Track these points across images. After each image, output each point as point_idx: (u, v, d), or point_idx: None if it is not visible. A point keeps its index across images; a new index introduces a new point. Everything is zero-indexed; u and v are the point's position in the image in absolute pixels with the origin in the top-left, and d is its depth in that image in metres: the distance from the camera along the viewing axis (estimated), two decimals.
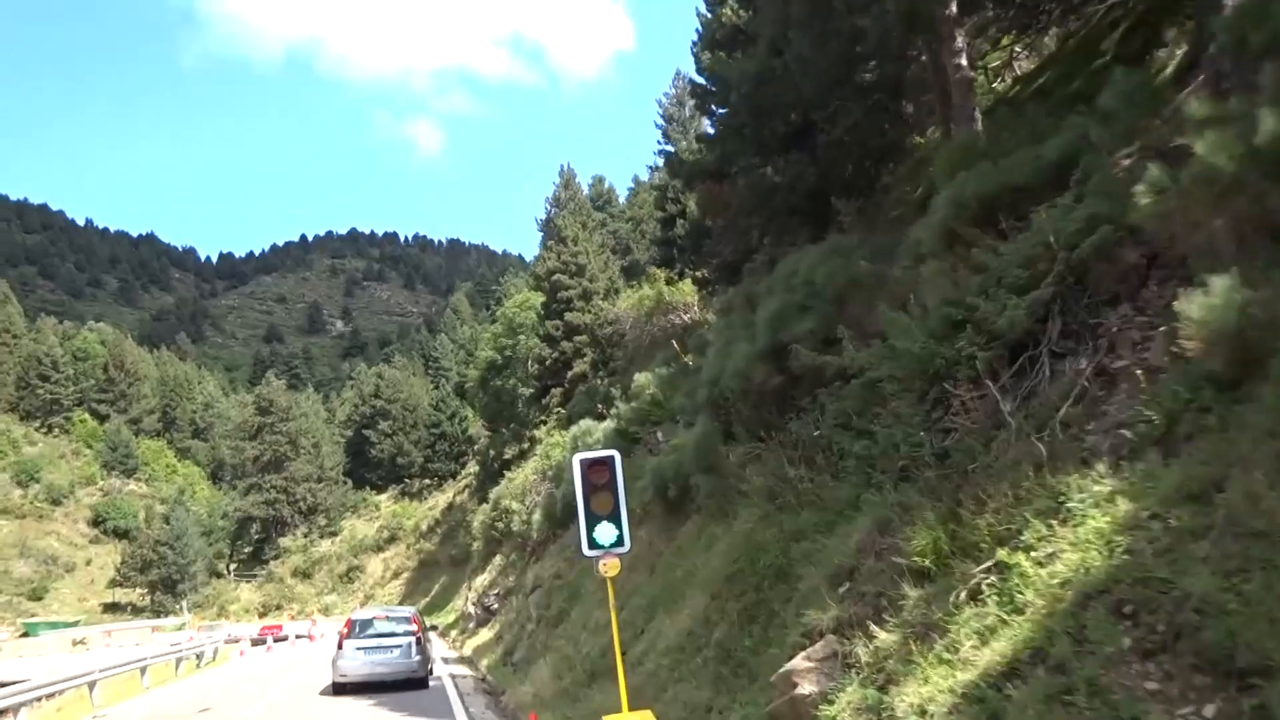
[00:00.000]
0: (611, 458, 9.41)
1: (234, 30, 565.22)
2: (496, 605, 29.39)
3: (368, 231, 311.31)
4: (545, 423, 49.21)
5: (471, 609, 32.16)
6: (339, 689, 18.50)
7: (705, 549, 12.19)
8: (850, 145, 18.88)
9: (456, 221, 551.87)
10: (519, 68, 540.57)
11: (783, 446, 10.81)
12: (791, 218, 20.59)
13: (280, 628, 50.55)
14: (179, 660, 30.12)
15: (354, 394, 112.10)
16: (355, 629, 19.01)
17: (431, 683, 19.47)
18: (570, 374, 47.91)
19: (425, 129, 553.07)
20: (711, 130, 30.51)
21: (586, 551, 9.39)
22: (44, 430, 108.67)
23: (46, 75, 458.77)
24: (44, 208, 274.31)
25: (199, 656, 33.99)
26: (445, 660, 25.56)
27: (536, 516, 27.26)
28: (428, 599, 59.64)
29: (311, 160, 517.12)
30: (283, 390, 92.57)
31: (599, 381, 34.53)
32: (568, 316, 49.18)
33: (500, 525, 33.41)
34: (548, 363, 49.80)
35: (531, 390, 53.97)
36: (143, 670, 25.74)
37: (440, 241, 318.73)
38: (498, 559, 32.68)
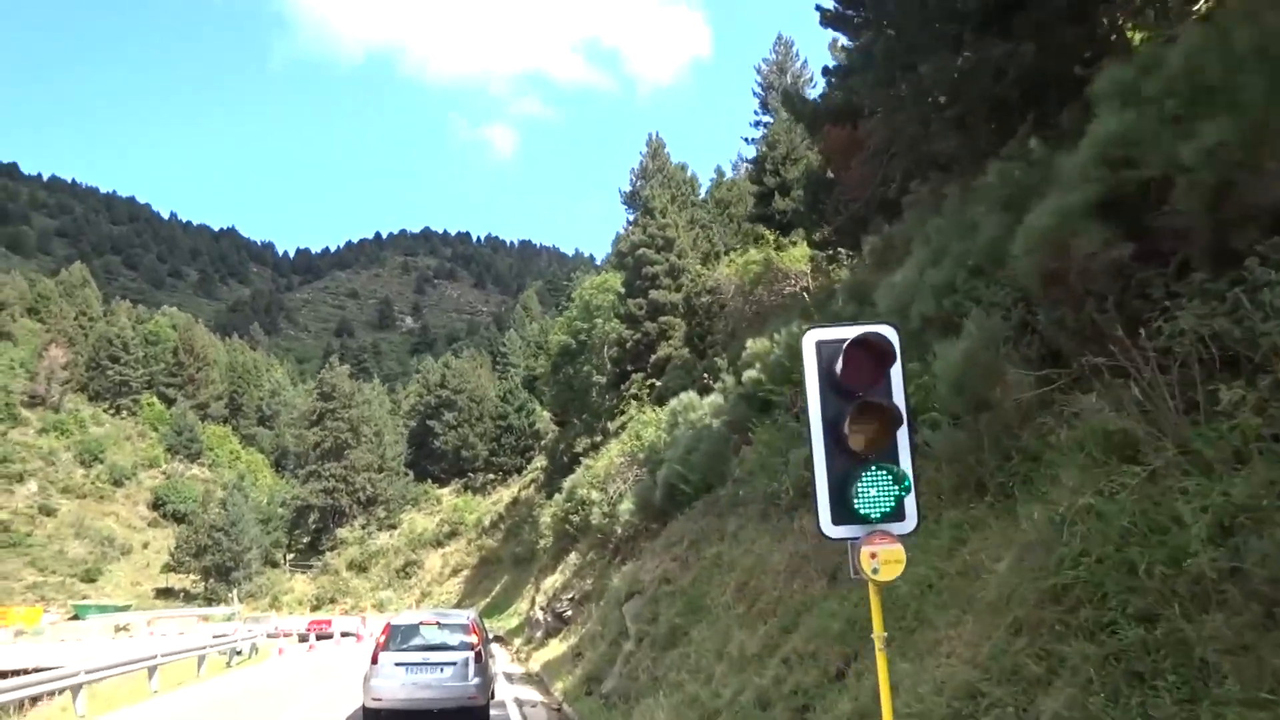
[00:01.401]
0: (884, 339, 4.62)
1: (320, 34, 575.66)
2: (570, 612, 24.65)
3: (440, 231, 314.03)
4: (624, 411, 44.56)
5: (540, 615, 27.48)
6: (370, 717, 13.93)
7: (962, 545, 7.27)
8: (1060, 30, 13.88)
9: (528, 223, 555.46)
10: (595, 73, 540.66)
11: (1139, 362, 5.85)
12: (977, 125, 15.58)
13: (329, 623, 46.54)
14: (201, 658, 26.02)
15: (419, 385, 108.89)
16: (395, 638, 14.38)
17: (494, 714, 14.77)
18: (654, 357, 43.19)
19: (500, 132, 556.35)
20: (838, 62, 25.90)
21: (829, 530, 4.64)
22: (112, 411, 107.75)
23: (140, 74, 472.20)
24: (131, 200, 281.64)
25: (233, 653, 29.97)
26: (508, 678, 20.86)
27: (625, 506, 22.45)
28: (488, 599, 55.28)
29: (388, 160, 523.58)
30: (346, 376, 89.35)
31: (696, 356, 29.68)
32: (653, 294, 44.48)
33: (576, 519, 28.72)
34: (628, 345, 45.14)
35: (608, 376, 49.37)
36: (151, 671, 21.61)
37: (512, 242, 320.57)
38: (572, 558, 27.95)
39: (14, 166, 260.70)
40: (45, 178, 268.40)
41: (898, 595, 7.95)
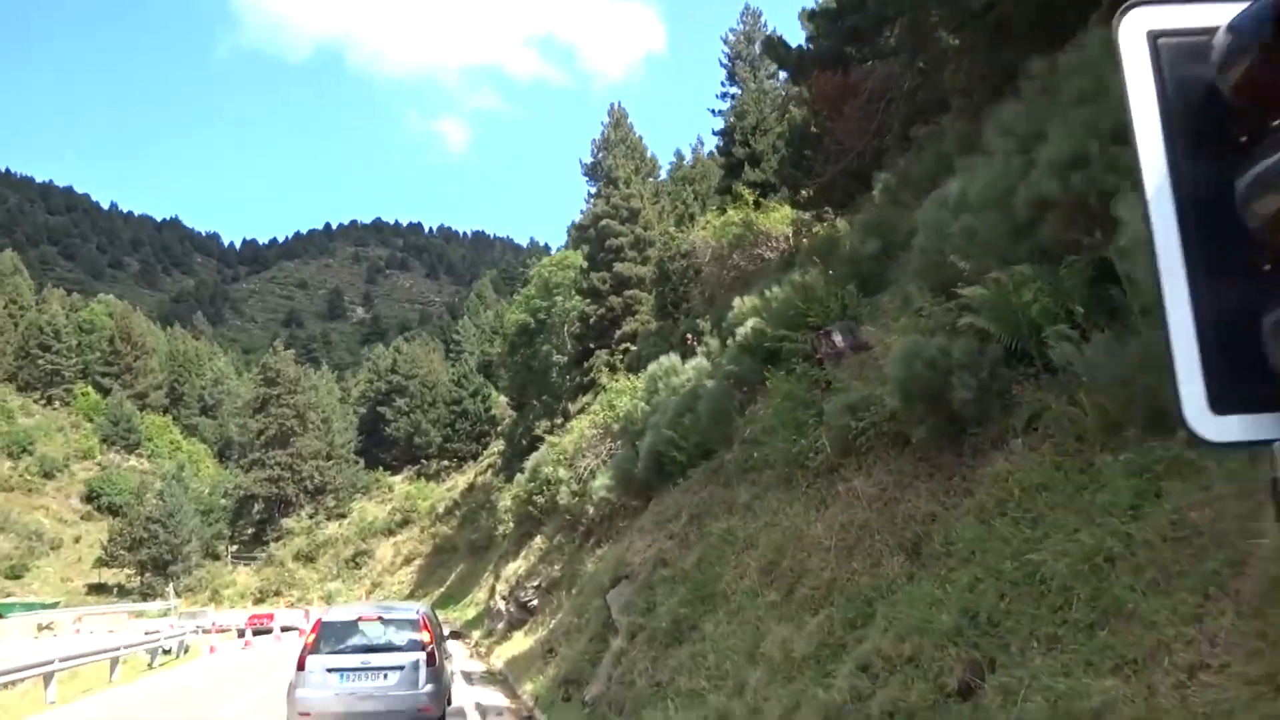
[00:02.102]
0: None
1: (266, 25, 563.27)
2: (536, 602, 21.95)
3: (392, 221, 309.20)
4: (587, 389, 41.91)
5: (501, 605, 24.75)
6: None
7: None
8: None
9: (482, 215, 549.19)
10: (550, 68, 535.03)
11: None
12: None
13: (270, 617, 43.38)
14: (115, 660, 22.96)
15: (369, 371, 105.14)
16: (328, 638, 11.59)
17: None
18: (619, 332, 40.64)
19: (453, 125, 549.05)
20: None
21: (1204, 424, 1.60)
22: (43, 402, 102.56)
23: (78, 62, 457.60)
24: (69, 190, 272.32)
25: (158, 653, 26.89)
26: (467, 677, 18.13)
27: (599, 483, 19.81)
28: (443, 589, 52.39)
29: (338, 152, 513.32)
30: (290, 361, 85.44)
31: (671, 323, 27.05)
32: (617, 268, 41.94)
33: (540, 500, 26.02)
34: (592, 321, 42.54)
35: (570, 355, 46.69)
36: (47, 680, 18.57)
37: (465, 233, 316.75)
38: (536, 542, 25.21)
39: None
40: None
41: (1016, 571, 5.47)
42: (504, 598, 24.64)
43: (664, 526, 12.83)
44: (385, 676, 11.18)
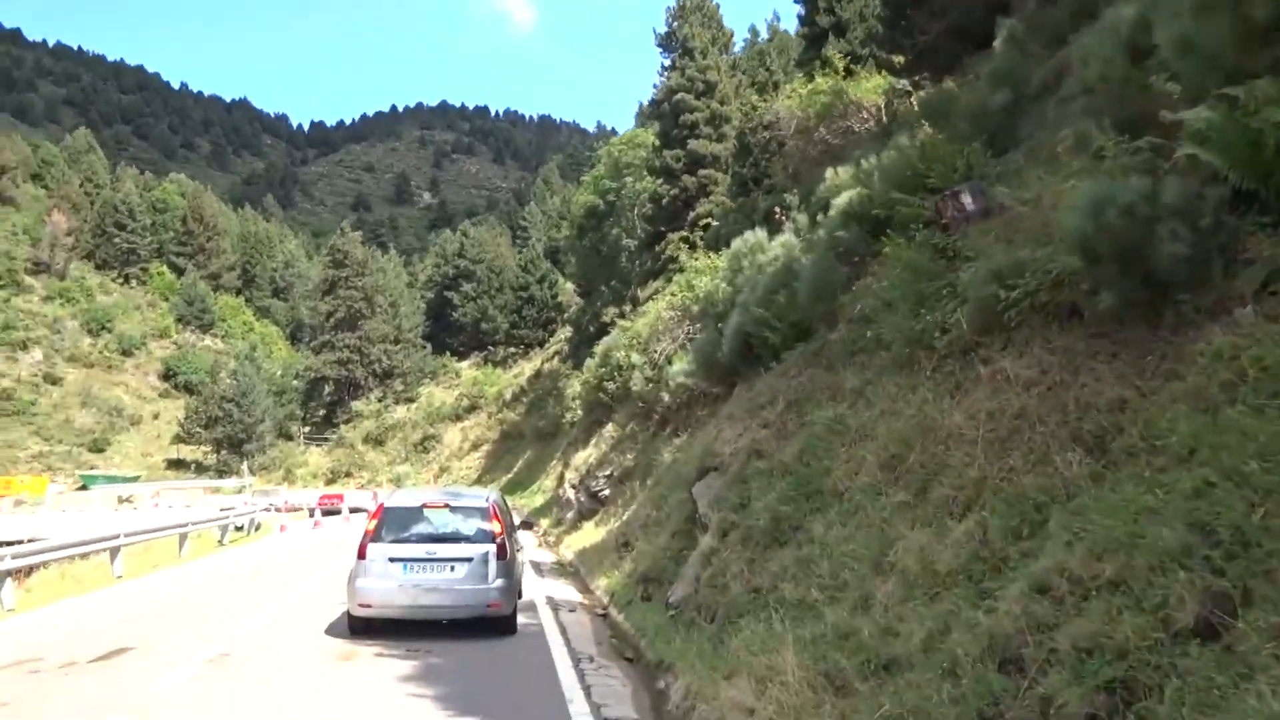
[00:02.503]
0: None
1: None
2: (608, 492, 21.04)
3: (458, 105, 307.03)
4: (659, 274, 40.42)
5: (571, 494, 23.97)
6: (358, 628, 10.34)
7: None
8: None
9: (549, 99, 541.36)
10: None
11: None
12: None
13: (340, 498, 43.69)
14: (183, 536, 22.76)
15: (436, 256, 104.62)
16: (391, 525, 10.58)
17: (521, 620, 11.15)
18: (693, 214, 38.84)
19: (520, 4, 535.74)
20: None
21: None
22: (120, 280, 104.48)
23: None
24: (140, 69, 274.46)
25: (229, 529, 26.81)
26: (537, 568, 17.31)
27: (677, 367, 18.53)
28: (510, 475, 52.35)
29: (404, 32, 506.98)
30: (358, 243, 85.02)
31: (755, 198, 25.25)
32: (691, 145, 39.86)
33: (612, 386, 24.90)
34: (664, 202, 40.71)
35: (640, 238, 45.07)
36: (114, 554, 18.23)
37: (531, 117, 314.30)
38: (608, 430, 24.21)
39: (17, 32, 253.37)
40: (50, 44, 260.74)
41: None
42: (574, 486, 23.82)
43: (757, 414, 11.51)
44: (452, 569, 10.19)
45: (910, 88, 24.28)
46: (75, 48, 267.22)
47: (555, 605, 12.95)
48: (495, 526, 10.57)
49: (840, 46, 30.29)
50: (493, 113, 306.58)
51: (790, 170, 26.71)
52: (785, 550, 8.62)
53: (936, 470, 7.26)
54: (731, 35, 46.67)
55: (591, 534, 19.69)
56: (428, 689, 7.97)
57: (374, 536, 10.39)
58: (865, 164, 17.98)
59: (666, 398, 20.16)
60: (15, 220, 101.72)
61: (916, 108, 18.17)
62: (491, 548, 10.38)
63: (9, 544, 31.70)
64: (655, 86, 43.93)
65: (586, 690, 8.26)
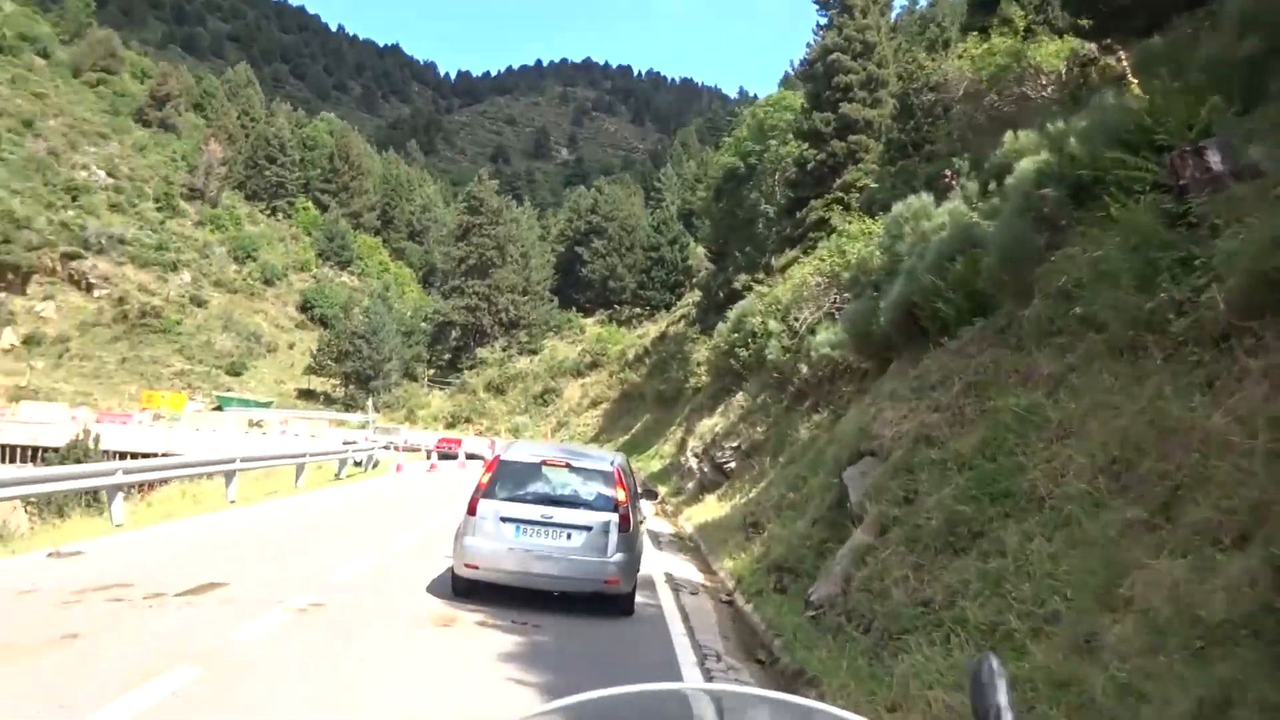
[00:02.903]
0: None
1: None
2: (734, 464, 19.77)
3: (601, 62, 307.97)
4: (798, 242, 38.65)
5: (693, 463, 22.79)
6: (461, 589, 9.40)
7: None
8: None
9: (692, 63, 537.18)
10: None
11: None
12: None
13: (459, 442, 43.72)
14: (300, 467, 22.59)
15: (570, 210, 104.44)
16: (505, 480, 9.54)
17: (639, 599, 10.01)
18: (839, 181, 36.82)
19: None
20: None
21: None
22: (267, 212, 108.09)
23: None
24: (301, 10, 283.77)
25: (345, 464, 26.70)
26: (654, 539, 16.16)
27: (823, 337, 17.04)
28: (627, 437, 51.57)
29: None
30: (493, 191, 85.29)
31: (917, 163, 23.30)
32: (843, 109, 37.68)
33: (744, 353, 23.53)
34: (809, 167, 38.74)
35: (780, 204, 43.23)
36: (229, 477, 17.98)
37: (673, 79, 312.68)
38: (737, 399, 22.86)
39: None
40: None
41: None
42: (697, 455, 22.63)
43: (925, 395, 10.01)
44: (569, 536, 9.11)
45: (1100, 52, 22.00)
46: None
47: (675, 585, 11.80)
48: (619, 494, 9.43)
49: (1014, 10, 27.90)
50: (635, 72, 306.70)
51: (955, 136, 24.66)
52: (965, 560, 7.20)
53: (1188, 485, 5.72)
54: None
55: (714, 508, 18.48)
56: (531, 674, 6.90)
57: (486, 491, 9.38)
58: (1053, 127, 16.06)
59: (805, 369, 18.71)
60: (175, 147, 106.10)
61: (1126, 61, 16.07)
62: (613, 517, 9.26)
63: (136, 456, 32.56)
64: (808, 46, 41.87)
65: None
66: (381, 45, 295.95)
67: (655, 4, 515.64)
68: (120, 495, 13.92)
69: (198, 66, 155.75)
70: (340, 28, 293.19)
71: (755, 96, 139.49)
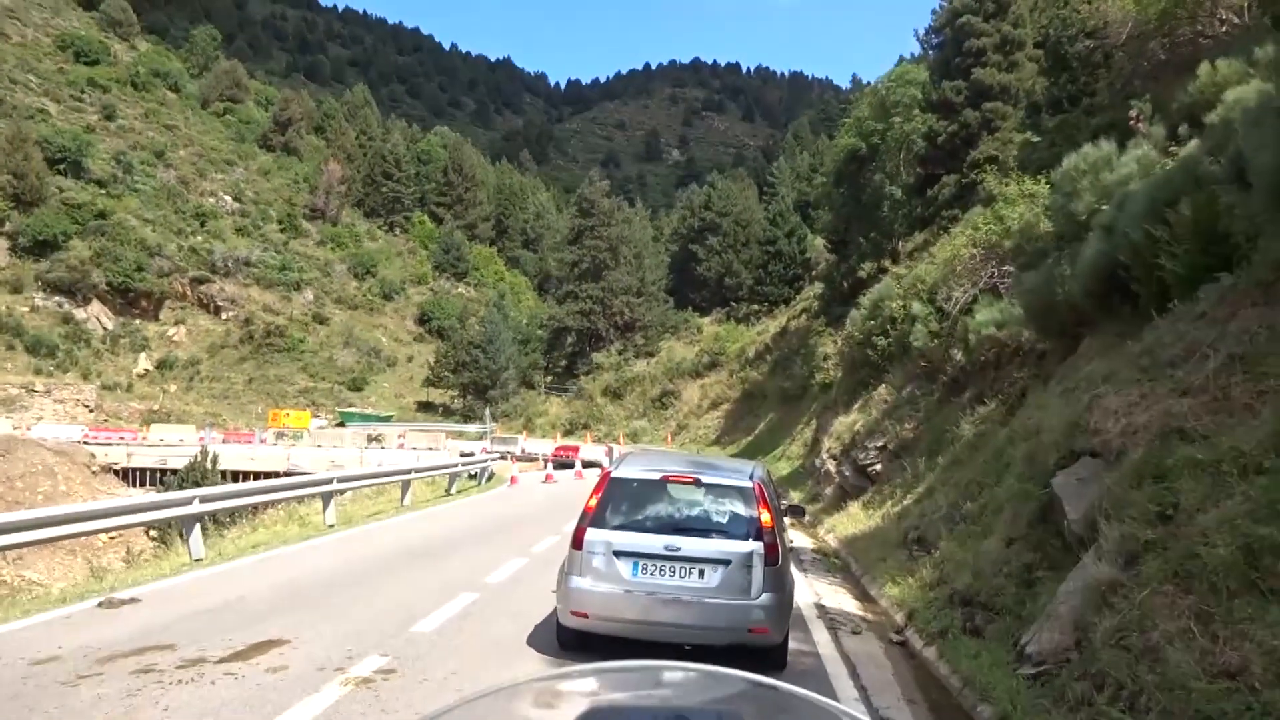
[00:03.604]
0: None
1: None
2: (880, 467, 17.35)
3: (710, 62, 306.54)
4: (929, 222, 35.71)
5: (830, 466, 20.43)
6: (568, 642, 7.46)
7: None
8: None
9: (801, 56, 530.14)
10: None
11: None
12: None
13: (576, 450, 42.15)
14: (406, 484, 21.17)
15: (683, 209, 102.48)
16: (618, 501, 7.54)
17: (794, 644, 7.85)
18: (972, 155, 33.78)
19: None
20: None
21: None
22: (385, 228, 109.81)
23: None
24: (416, 31, 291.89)
25: (455, 478, 25.21)
26: (796, 557, 13.94)
27: (985, 316, 14.52)
28: (750, 438, 49.29)
29: None
30: (605, 192, 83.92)
31: (1078, 117, 20.39)
32: (976, 75, 34.59)
33: (882, 342, 21.05)
34: (940, 140, 35.75)
35: (910, 181, 40.28)
36: (326, 500, 16.54)
37: (782, 74, 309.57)
38: (879, 392, 20.28)
39: None
40: (340, 8, 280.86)
41: None
42: (834, 457, 20.25)
43: (1161, 375, 7.58)
44: (701, 574, 7.05)
45: None
46: (361, 11, 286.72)
47: (831, 621, 9.60)
48: (764, 516, 7.31)
49: None
50: (744, 69, 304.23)
51: (1119, 86, 21.62)
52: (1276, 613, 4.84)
53: None
54: None
55: (859, 518, 16.12)
56: None
57: (595, 518, 7.39)
58: (1263, 51, 13.32)
59: (960, 355, 16.19)
60: (297, 169, 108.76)
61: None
62: (757, 547, 7.15)
63: (256, 475, 31.94)
64: (934, 12, 38.79)
65: None
66: (493, 60, 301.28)
67: (763, 0, 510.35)
68: (197, 527, 12.54)
69: (320, 92, 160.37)
70: (454, 46, 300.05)
71: (868, 84, 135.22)
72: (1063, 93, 22.22)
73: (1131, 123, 14.53)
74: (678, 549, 7.11)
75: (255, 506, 18.62)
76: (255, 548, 13.93)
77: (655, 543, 7.16)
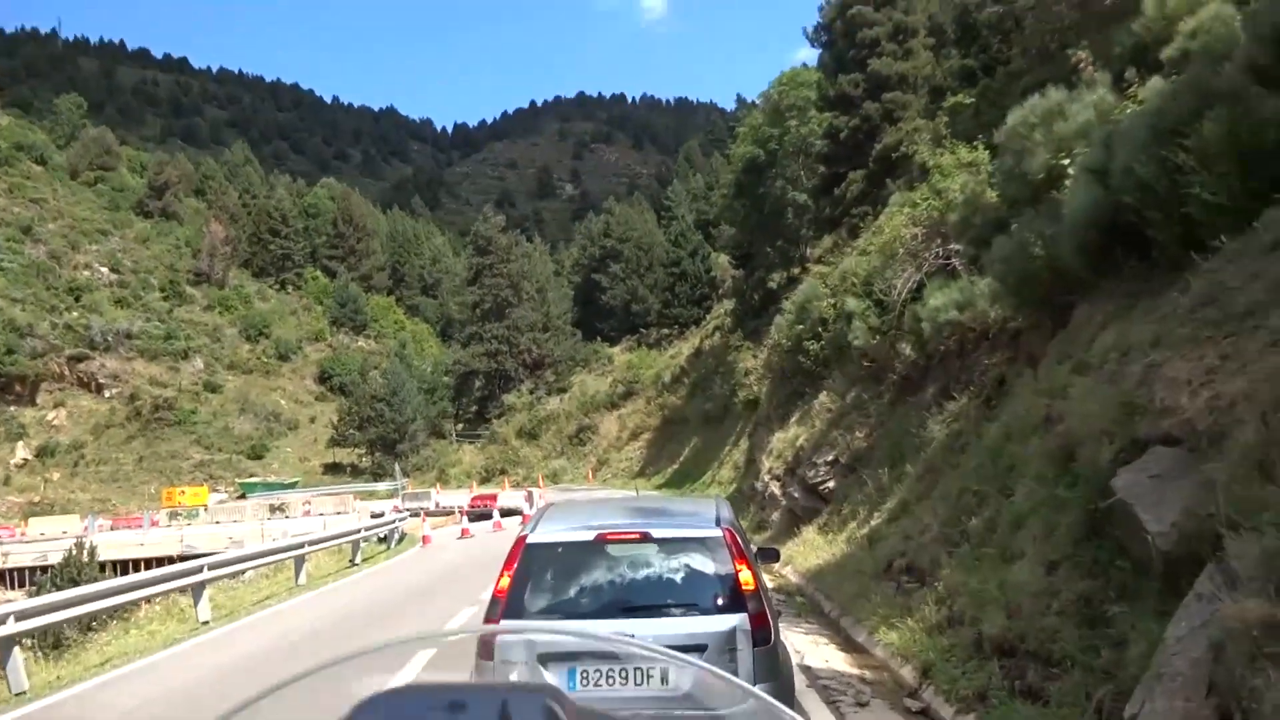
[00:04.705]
0: None
1: None
2: (833, 483, 15.42)
3: (595, 94, 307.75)
4: (838, 224, 34.39)
5: (775, 488, 18.44)
6: None
7: None
8: None
9: (685, 83, 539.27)
10: None
11: None
12: None
13: (494, 499, 39.54)
14: (300, 560, 18.46)
15: (583, 238, 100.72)
16: (538, 578, 5.34)
17: None
18: (877, 148, 32.62)
19: None
20: None
21: None
22: (276, 286, 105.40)
23: None
24: (295, 87, 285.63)
25: (355, 547, 22.39)
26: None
27: (942, 300, 12.73)
28: (676, 466, 47.29)
29: (539, 28, 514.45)
30: (501, 227, 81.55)
31: (1001, 83, 18.99)
32: (872, 66, 33.57)
33: (814, 346, 19.25)
34: (843, 135, 34.58)
35: (815, 184, 39.05)
36: (195, 592, 13.81)
37: (668, 101, 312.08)
38: (820, 400, 18.33)
39: (184, 61, 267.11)
40: (214, 70, 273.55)
41: None
42: (777, 478, 18.30)
43: (1244, 325, 5.71)
44: (666, 676, 4.87)
45: None
46: (236, 71, 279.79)
47: (827, 690, 7.47)
48: (743, 574, 5.16)
49: None
50: (629, 99, 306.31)
51: (1034, 50, 20.40)
52: None
53: None
54: None
55: (819, 545, 14.11)
56: None
57: (509, 606, 5.12)
58: None
59: (909, 349, 14.41)
60: (178, 234, 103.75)
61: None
62: (740, 621, 4.98)
63: (145, 563, 28.50)
64: (821, 8, 37.76)
65: None
66: (377, 110, 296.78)
67: (641, 30, 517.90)
68: (16, 651, 9.85)
69: (198, 155, 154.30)
70: (335, 98, 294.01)
71: (754, 103, 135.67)
72: (977, 63, 20.92)
73: (1081, 67, 13.00)
74: (630, 638, 4.89)
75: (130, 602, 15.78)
76: (104, 665, 11.27)
77: (603, 629, 4.93)
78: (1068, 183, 10.16)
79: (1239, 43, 8.82)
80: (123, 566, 36.30)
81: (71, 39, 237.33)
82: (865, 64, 33.57)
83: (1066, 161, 10.93)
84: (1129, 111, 10.86)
